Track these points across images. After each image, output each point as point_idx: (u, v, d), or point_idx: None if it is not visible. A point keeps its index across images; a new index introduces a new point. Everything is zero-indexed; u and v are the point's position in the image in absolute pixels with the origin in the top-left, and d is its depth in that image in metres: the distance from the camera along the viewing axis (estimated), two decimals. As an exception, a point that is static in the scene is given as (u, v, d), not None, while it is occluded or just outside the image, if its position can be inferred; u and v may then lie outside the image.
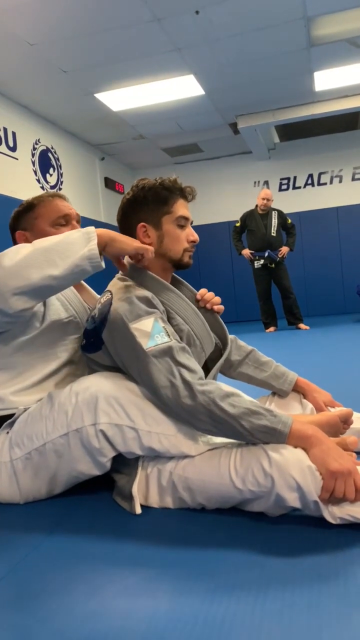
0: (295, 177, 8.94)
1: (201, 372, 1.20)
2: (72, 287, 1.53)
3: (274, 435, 1.06)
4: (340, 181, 8.75)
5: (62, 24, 4.53)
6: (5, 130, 5.94)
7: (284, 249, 6.21)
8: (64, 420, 1.20)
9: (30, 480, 1.26)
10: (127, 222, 1.40)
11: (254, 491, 1.05)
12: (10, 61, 5.14)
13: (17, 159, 6.15)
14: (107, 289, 1.35)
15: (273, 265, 6.22)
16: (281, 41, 5.14)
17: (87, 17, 4.46)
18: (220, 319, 1.51)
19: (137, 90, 6.01)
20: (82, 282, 1.61)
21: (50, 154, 6.88)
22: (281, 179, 8.99)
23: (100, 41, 4.88)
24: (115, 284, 1.34)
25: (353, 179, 8.70)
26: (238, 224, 6.40)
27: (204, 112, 6.94)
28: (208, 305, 1.49)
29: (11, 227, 1.52)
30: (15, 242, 1.50)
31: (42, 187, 6.58)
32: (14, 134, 6.10)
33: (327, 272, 8.79)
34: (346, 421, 1.30)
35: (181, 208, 1.39)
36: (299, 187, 8.93)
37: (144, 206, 1.37)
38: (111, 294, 1.28)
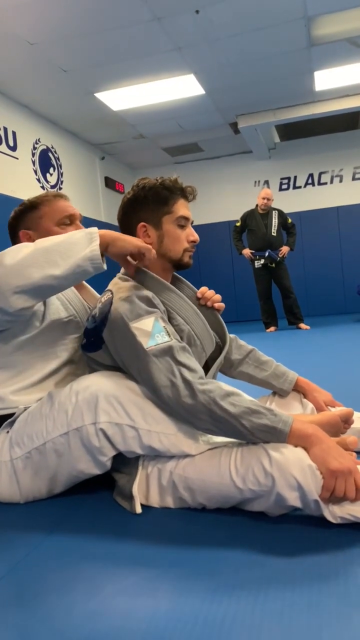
0: (295, 177, 8.94)
1: (201, 372, 1.20)
2: (72, 287, 1.53)
3: (275, 435, 1.06)
4: (341, 181, 8.75)
5: (62, 23, 4.52)
6: (5, 129, 5.94)
7: (285, 249, 6.21)
8: (64, 420, 1.19)
9: (30, 479, 1.26)
10: (127, 222, 1.40)
11: (255, 490, 1.05)
12: (11, 61, 5.14)
13: (17, 158, 6.15)
14: (107, 288, 1.35)
15: (273, 265, 6.22)
16: (281, 41, 5.13)
17: (88, 17, 4.45)
18: (220, 317, 1.51)
19: (138, 89, 6.01)
20: (83, 281, 1.61)
21: (50, 154, 6.88)
22: (281, 179, 8.99)
23: (100, 41, 4.87)
24: (115, 284, 1.33)
25: (353, 179, 8.69)
26: (238, 224, 6.40)
27: (205, 112, 6.94)
28: (209, 303, 1.49)
29: (12, 226, 1.51)
30: (16, 241, 1.50)
31: (42, 187, 6.58)
32: (14, 133, 6.10)
33: (328, 272, 8.79)
34: (347, 421, 1.30)
35: (182, 208, 1.39)
36: (300, 187, 8.93)
37: (145, 206, 1.37)
38: (112, 294, 1.28)
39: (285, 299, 6.23)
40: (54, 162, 6.96)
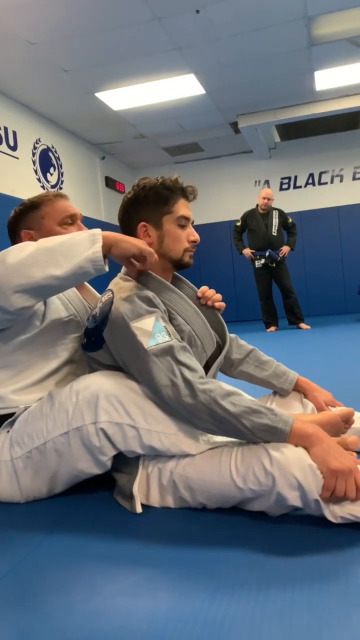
0: (296, 177, 8.94)
1: (202, 371, 1.20)
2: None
3: (275, 434, 1.06)
4: (341, 180, 8.75)
5: (62, 23, 4.52)
6: (5, 129, 5.94)
7: (285, 249, 6.21)
8: (65, 419, 1.19)
9: (30, 479, 1.26)
10: (128, 222, 1.40)
11: (255, 490, 1.05)
12: (11, 60, 5.14)
13: (17, 158, 6.15)
14: (108, 287, 1.35)
15: (274, 265, 6.22)
16: (282, 40, 5.13)
17: (88, 17, 4.45)
18: (220, 317, 1.51)
19: (138, 89, 6.01)
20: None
21: (50, 153, 6.88)
22: (282, 179, 8.99)
23: (100, 40, 4.87)
24: (116, 283, 1.33)
25: (354, 179, 8.69)
26: (239, 224, 6.40)
27: (205, 112, 6.94)
28: (209, 303, 1.49)
29: (12, 225, 1.51)
30: (16, 241, 1.50)
31: (43, 187, 6.59)
32: (14, 133, 6.10)
33: (328, 272, 8.79)
34: (347, 421, 1.30)
35: (182, 208, 1.39)
36: (300, 187, 8.93)
37: (145, 205, 1.37)
38: (112, 293, 1.28)
39: (285, 299, 6.22)
40: (54, 161, 6.96)
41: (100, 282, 1.55)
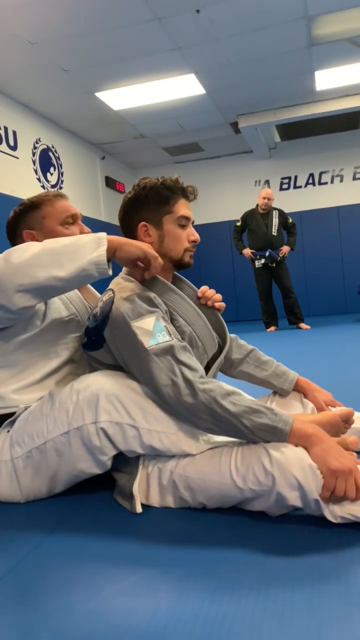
0: (296, 177, 8.94)
1: (202, 371, 1.20)
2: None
3: (275, 434, 1.06)
4: (341, 180, 8.75)
5: (62, 23, 4.52)
6: (5, 129, 5.94)
7: (285, 249, 6.21)
8: (65, 419, 1.19)
9: (30, 479, 1.26)
10: (128, 221, 1.40)
11: (255, 490, 1.05)
12: (11, 60, 5.14)
13: (17, 158, 6.15)
14: (109, 287, 1.35)
15: (274, 265, 6.22)
16: (282, 40, 5.13)
17: (88, 16, 4.45)
18: (221, 317, 1.51)
19: (138, 89, 6.01)
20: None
21: (50, 153, 6.88)
22: (282, 178, 8.99)
23: (101, 40, 4.87)
24: (117, 283, 1.33)
25: (354, 179, 8.69)
26: (239, 224, 6.40)
27: (205, 112, 6.94)
28: (209, 303, 1.49)
29: (12, 225, 1.51)
30: (16, 241, 1.50)
31: (43, 186, 6.59)
32: (14, 132, 6.10)
33: (328, 272, 8.79)
34: (347, 421, 1.30)
35: (182, 208, 1.39)
36: (300, 187, 8.93)
37: (145, 205, 1.37)
38: (113, 293, 1.28)
39: (285, 299, 6.23)
40: (54, 161, 6.96)
41: (102, 282, 1.55)
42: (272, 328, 6.24)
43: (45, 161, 6.73)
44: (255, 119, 7.14)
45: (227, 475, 1.08)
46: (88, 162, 7.94)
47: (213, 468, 1.11)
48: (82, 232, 1.50)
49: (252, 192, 8.29)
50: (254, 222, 6.28)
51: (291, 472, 1.01)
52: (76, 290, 1.55)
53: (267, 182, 8.99)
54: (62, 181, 7.10)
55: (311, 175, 8.87)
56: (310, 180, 8.89)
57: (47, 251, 1.19)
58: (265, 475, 1.04)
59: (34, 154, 6.47)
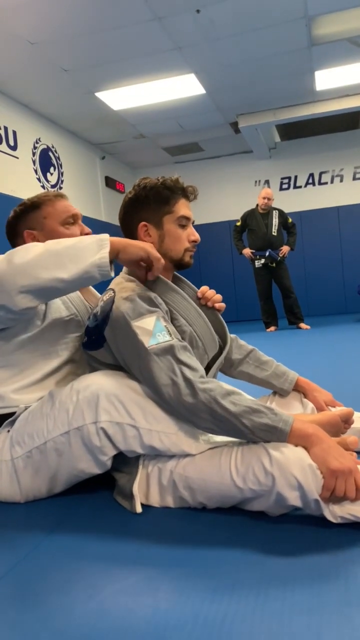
0: (296, 177, 8.94)
1: (202, 371, 1.20)
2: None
3: (275, 434, 1.06)
4: (341, 180, 8.75)
5: (63, 23, 4.52)
6: (5, 129, 5.94)
7: (285, 249, 6.21)
8: (65, 419, 1.20)
9: (30, 478, 1.26)
10: (128, 221, 1.40)
11: (255, 490, 1.05)
12: (11, 60, 5.14)
13: (17, 157, 6.15)
14: (109, 287, 1.35)
15: (274, 265, 6.22)
16: (282, 40, 5.13)
17: (88, 16, 4.45)
18: (221, 317, 1.51)
19: (138, 89, 6.01)
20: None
21: (50, 153, 6.88)
22: (282, 178, 8.99)
23: (101, 40, 4.87)
24: (118, 283, 1.34)
25: (354, 179, 8.69)
26: (239, 223, 6.40)
27: (205, 111, 6.93)
28: (209, 304, 1.49)
29: (12, 225, 1.51)
30: (16, 240, 1.50)
31: (43, 186, 6.58)
32: (14, 132, 6.09)
33: (328, 272, 8.79)
34: (347, 421, 1.30)
35: (183, 208, 1.39)
36: (300, 187, 8.93)
37: (146, 205, 1.37)
38: (114, 292, 1.28)
39: (285, 299, 6.23)
40: (54, 161, 6.96)
41: (102, 282, 1.55)
42: (272, 328, 6.24)
43: (45, 161, 6.73)
44: (255, 119, 7.14)
45: (227, 475, 1.08)
46: (88, 162, 7.94)
47: (213, 468, 1.11)
48: (82, 232, 1.50)
49: (252, 192, 8.29)
50: (253, 222, 6.28)
51: (291, 472, 1.01)
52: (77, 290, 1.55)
53: (267, 182, 8.99)
54: (62, 181, 7.10)
55: (311, 175, 8.87)
56: (310, 180, 8.89)
57: (50, 253, 1.19)
58: (265, 475, 1.04)
59: (34, 154, 6.47)
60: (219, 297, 1.51)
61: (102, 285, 1.45)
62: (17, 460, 1.25)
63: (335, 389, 1.63)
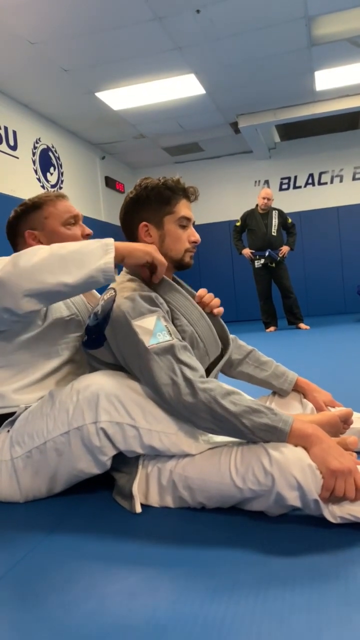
0: (295, 177, 8.94)
1: (202, 371, 1.20)
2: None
3: (275, 434, 1.06)
4: (341, 181, 8.75)
5: (63, 22, 4.52)
6: (5, 129, 5.94)
7: (285, 249, 6.21)
8: (65, 419, 1.20)
9: (30, 478, 1.26)
10: (129, 221, 1.40)
11: (255, 490, 1.05)
12: (11, 60, 5.14)
13: (17, 157, 6.15)
14: (110, 286, 1.35)
15: (273, 265, 6.22)
16: (282, 40, 5.13)
17: (88, 16, 4.45)
18: (221, 319, 1.51)
19: (138, 89, 6.01)
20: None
21: (50, 153, 6.88)
22: (282, 179, 8.99)
23: (101, 40, 4.87)
24: (119, 282, 1.34)
25: (354, 179, 8.69)
26: (238, 224, 6.40)
27: (205, 111, 6.94)
28: (207, 309, 1.48)
29: (13, 225, 1.51)
30: (17, 240, 1.50)
31: (43, 186, 6.59)
32: (14, 132, 6.09)
33: (328, 272, 8.80)
34: (346, 421, 1.30)
35: (183, 208, 1.39)
36: (300, 187, 8.93)
37: (147, 205, 1.37)
38: (115, 291, 1.29)
39: (285, 299, 6.23)
40: (54, 161, 6.96)
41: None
42: (272, 328, 6.24)
43: (45, 161, 6.73)
44: (255, 119, 7.14)
45: (226, 475, 1.08)
46: (88, 162, 7.94)
47: (213, 468, 1.11)
48: (83, 233, 1.50)
49: (252, 192, 8.29)
50: (253, 222, 6.29)
51: (291, 472, 1.01)
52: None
53: (266, 182, 8.99)
54: (62, 181, 7.10)
55: (311, 175, 8.88)
56: (310, 181, 8.89)
57: (55, 257, 1.19)
58: (264, 475, 1.04)
59: (34, 154, 6.47)
60: (217, 301, 1.51)
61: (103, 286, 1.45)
62: (17, 460, 1.25)
63: (335, 389, 1.63)
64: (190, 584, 0.89)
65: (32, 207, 1.48)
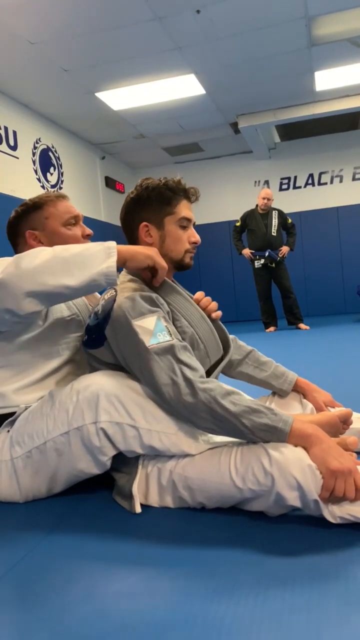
0: (295, 177, 8.94)
1: (202, 371, 1.20)
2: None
3: (275, 434, 1.06)
4: (341, 181, 8.75)
5: (63, 22, 4.52)
6: (5, 129, 5.94)
7: (285, 249, 6.21)
8: (65, 419, 1.20)
9: (30, 478, 1.26)
10: (129, 221, 1.41)
11: (254, 490, 1.05)
12: (11, 60, 5.14)
13: (17, 157, 6.15)
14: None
15: (273, 265, 6.22)
16: (282, 40, 5.13)
17: (88, 16, 4.45)
18: (221, 323, 1.51)
19: (138, 89, 6.01)
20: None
21: (50, 153, 6.88)
22: (282, 179, 8.99)
23: (101, 40, 4.87)
24: (120, 282, 1.34)
25: (353, 179, 8.70)
26: (238, 224, 6.40)
27: (205, 112, 6.94)
28: (205, 313, 1.48)
29: (13, 225, 1.51)
30: (18, 240, 1.50)
31: (43, 186, 6.59)
32: (14, 132, 6.09)
33: (327, 272, 8.80)
34: (346, 421, 1.30)
35: (184, 209, 1.39)
36: (300, 187, 8.93)
37: (147, 206, 1.37)
38: (115, 291, 1.29)
39: (285, 299, 6.23)
40: (54, 161, 6.96)
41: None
42: (272, 328, 6.24)
43: (45, 161, 6.73)
44: (255, 119, 7.14)
45: (226, 475, 1.09)
46: (88, 162, 7.94)
47: (212, 468, 1.11)
48: (83, 233, 1.50)
49: (252, 193, 8.29)
50: (253, 223, 6.29)
51: (290, 472, 1.01)
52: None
53: (266, 182, 8.99)
54: (62, 181, 7.10)
55: (311, 175, 8.88)
56: (310, 181, 8.89)
57: (58, 259, 1.19)
58: (264, 476, 1.04)
59: (34, 154, 6.47)
60: (214, 305, 1.50)
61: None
62: (17, 460, 1.25)
63: (335, 389, 1.63)
64: (190, 584, 0.89)
65: (33, 207, 1.48)
